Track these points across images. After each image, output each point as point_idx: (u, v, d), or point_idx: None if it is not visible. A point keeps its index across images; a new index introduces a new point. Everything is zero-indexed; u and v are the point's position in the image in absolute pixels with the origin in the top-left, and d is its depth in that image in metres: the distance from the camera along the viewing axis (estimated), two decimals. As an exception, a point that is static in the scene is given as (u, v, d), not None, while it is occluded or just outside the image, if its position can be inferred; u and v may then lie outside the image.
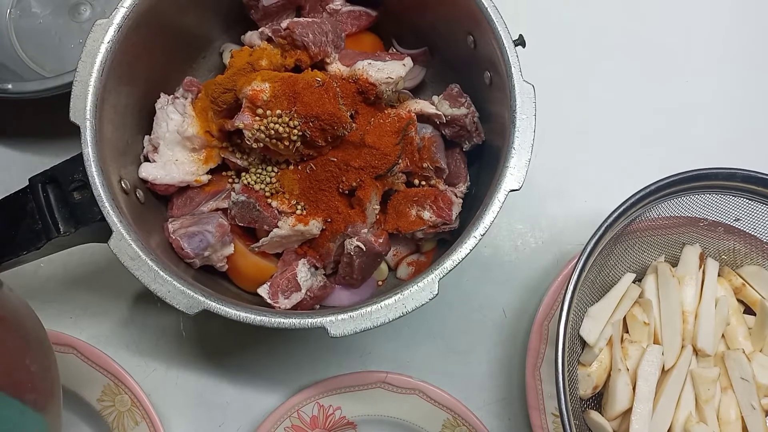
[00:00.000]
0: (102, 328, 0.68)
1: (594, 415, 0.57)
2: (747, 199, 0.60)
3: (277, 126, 0.54)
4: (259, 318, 0.49)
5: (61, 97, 0.62)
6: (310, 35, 0.58)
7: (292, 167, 0.59)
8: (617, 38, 0.80)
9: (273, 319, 0.49)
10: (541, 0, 0.81)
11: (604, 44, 0.80)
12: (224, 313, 0.49)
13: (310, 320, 0.49)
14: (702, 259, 0.63)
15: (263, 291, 0.57)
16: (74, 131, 0.52)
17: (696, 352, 0.59)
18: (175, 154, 0.59)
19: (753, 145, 0.76)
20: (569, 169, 0.74)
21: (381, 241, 0.57)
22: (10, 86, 0.64)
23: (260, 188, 0.59)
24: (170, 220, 0.59)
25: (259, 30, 0.61)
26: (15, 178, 0.71)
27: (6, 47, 0.74)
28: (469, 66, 0.61)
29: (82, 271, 0.69)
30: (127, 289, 0.69)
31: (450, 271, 0.50)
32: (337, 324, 0.49)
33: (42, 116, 0.72)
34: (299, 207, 0.59)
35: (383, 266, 0.65)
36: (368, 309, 0.49)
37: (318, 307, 0.61)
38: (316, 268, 0.61)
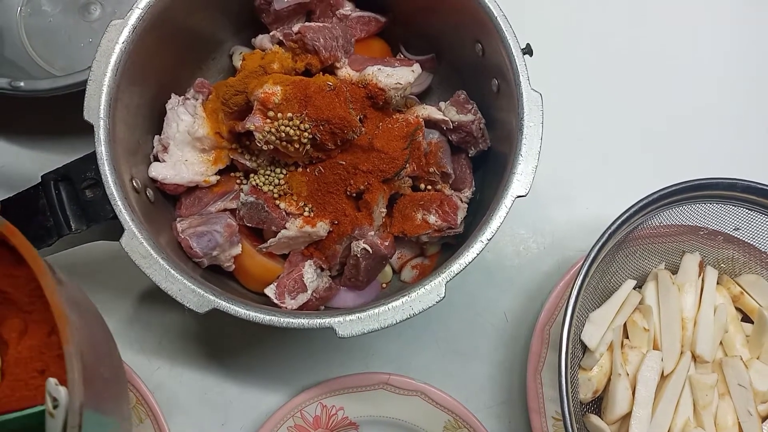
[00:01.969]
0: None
1: (594, 419, 0.58)
2: (747, 209, 0.61)
3: (287, 129, 0.54)
4: (268, 318, 0.49)
5: (72, 96, 0.63)
6: (321, 40, 0.59)
7: (300, 169, 0.60)
8: (621, 47, 0.81)
9: (282, 319, 0.49)
10: (547, 9, 0.82)
11: (609, 53, 0.81)
12: (234, 312, 0.49)
13: (318, 320, 0.49)
14: (702, 267, 0.64)
15: (270, 291, 0.58)
16: (83, 130, 0.52)
17: (695, 358, 0.60)
18: (185, 154, 0.60)
19: (755, 155, 0.77)
20: (572, 176, 0.75)
21: (387, 243, 0.58)
22: (22, 84, 0.65)
23: (269, 190, 0.60)
24: (178, 219, 0.60)
25: (270, 34, 0.62)
26: (25, 175, 0.71)
27: (16, 45, 0.75)
28: (477, 73, 0.62)
29: (87, 269, 0.69)
30: (131, 287, 0.69)
31: (457, 274, 0.51)
32: (345, 325, 0.49)
33: (52, 114, 0.72)
34: (307, 209, 0.59)
35: (388, 269, 0.66)
36: (376, 310, 0.50)
37: (323, 308, 0.62)
38: (322, 270, 0.62)
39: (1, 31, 0.75)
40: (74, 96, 0.59)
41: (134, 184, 0.55)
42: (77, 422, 0.38)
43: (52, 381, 0.40)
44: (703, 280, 0.63)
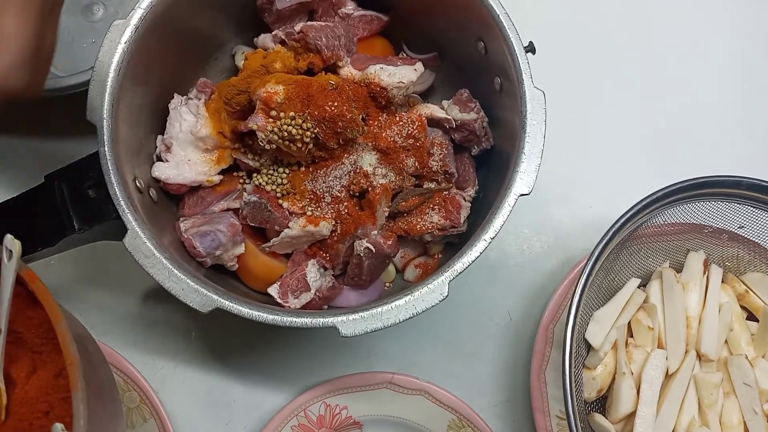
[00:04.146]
0: (110, 326, 0.68)
1: (598, 418, 0.58)
2: (751, 207, 0.61)
3: (290, 128, 0.54)
4: (271, 317, 0.49)
5: (75, 96, 0.63)
6: (323, 39, 0.59)
7: (303, 168, 0.60)
8: (624, 45, 0.81)
9: (285, 318, 0.49)
10: (549, 7, 0.82)
11: (611, 51, 0.81)
12: (237, 311, 0.49)
13: (321, 320, 0.49)
14: (706, 265, 0.63)
15: (273, 290, 0.58)
16: (86, 130, 0.52)
17: (699, 357, 0.60)
18: (188, 154, 0.60)
19: (759, 153, 0.77)
20: (575, 175, 0.75)
21: (390, 243, 0.58)
22: (25, 85, 0.65)
23: (271, 189, 0.60)
24: (182, 219, 0.60)
25: (273, 33, 0.62)
26: (28, 175, 0.71)
27: (19, 46, 0.75)
28: (479, 71, 0.62)
29: (91, 269, 0.70)
30: (135, 287, 0.69)
31: (460, 273, 0.51)
32: (348, 324, 0.49)
33: (55, 115, 0.73)
34: (310, 208, 0.59)
35: (391, 268, 0.66)
36: (379, 309, 0.50)
37: (326, 307, 0.62)
38: (326, 269, 0.61)
39: (4, 33, 0.75)
40: (77, 96, 0.59)
41: (137, 183, 0.55)
42: None
43: (58, 426, 0.40)
44: (707, 279, 0.63)
